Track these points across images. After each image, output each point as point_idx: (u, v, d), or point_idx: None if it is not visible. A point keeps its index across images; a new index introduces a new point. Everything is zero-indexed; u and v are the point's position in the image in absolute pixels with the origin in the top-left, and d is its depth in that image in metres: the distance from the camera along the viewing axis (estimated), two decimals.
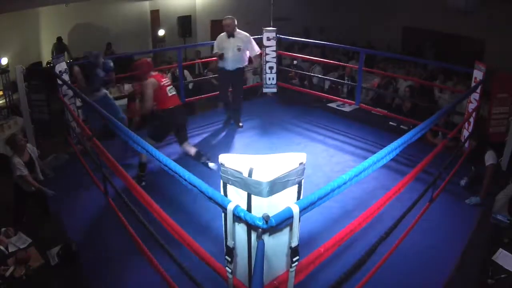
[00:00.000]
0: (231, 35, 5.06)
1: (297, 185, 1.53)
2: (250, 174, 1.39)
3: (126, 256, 3.03)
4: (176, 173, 1.76)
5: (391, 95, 6.69)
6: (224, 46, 5.10)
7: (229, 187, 1.51)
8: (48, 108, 6.26)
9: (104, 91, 4.60)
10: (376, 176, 4.00)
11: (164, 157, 1.91)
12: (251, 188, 1.41)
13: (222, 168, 1.49)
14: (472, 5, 8.09)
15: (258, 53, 5.28)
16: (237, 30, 5.10)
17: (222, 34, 5.12)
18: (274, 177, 1.39)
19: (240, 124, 5.57)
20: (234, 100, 5.48)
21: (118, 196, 2.85)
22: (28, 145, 3.90)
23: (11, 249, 3.10)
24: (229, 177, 1.47)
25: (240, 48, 5.07)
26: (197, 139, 5.15)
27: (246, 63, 5.29)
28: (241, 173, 1.42)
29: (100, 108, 2.93)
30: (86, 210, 3.68)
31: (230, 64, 5.14)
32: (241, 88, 5.52)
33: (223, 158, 1.50)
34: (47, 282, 2.86)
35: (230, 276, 1.54)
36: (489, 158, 3.68)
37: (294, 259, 1.47)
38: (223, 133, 5.30)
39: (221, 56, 5.09)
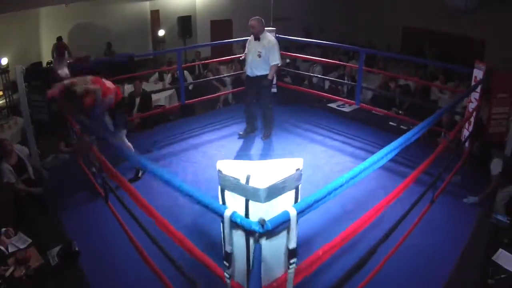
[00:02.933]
0: (256, 37, 4.65)
1: (294, 190, 1.54)
2: (247, 181, 1.41)
3: (126, 256, 3.03)
4: (175, 186, 1.73)
5: (390, 95, 6.68)
6: (248, 48, 4.79)
7: (226, 193, 1.52)
8: (48, 108, 6.26)
9: None
10: (376, 176, 3.99)
11: (160, 169, 1.88)
12: (248, 194, 1.42)
13: (219, 174, 1.51)
14: (472, 5, 8.09)
15: (276, 63, 4.65)
16: (265, 33, 4.66)
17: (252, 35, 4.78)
18: (271, 183, 1.41)
19: (266, 135, 5.04)
20: (262, 110, 5.05)
21: (118, 200, 2.86)
22: (17, 146, 3.91)
23: (11, 249, 3.11)
24: (226, 183, 1.49)
25: (261, 54, 4.59)
26: (197, 140, 5.14)
27: (271, 76, 4.74)
28: (238, 179, 1.43)
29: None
30: (86, 210, 3.68)
31: (248, 69, 4.80)
32: (266, 98, 4.88)
33: (220, 164, 1.51)
34: (47, 282, 2.86)
35: (228, 281, 1.55)
36: (496, 167, 3.62)
37: (292, 261, 1.48)
38: (223, 134, 5.29)
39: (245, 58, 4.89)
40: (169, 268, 2.25)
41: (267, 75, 4.71)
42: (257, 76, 4.74)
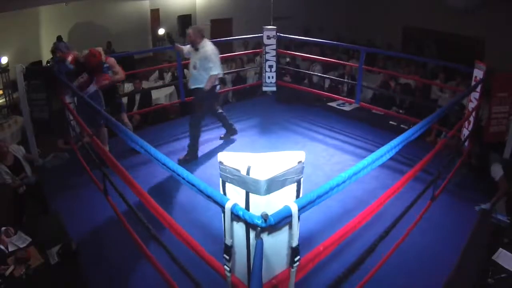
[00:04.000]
0: (195, 48, 4.24)
1: (296, 184, 1.52)
2: (248, 172, 1.39)
3: (125, 254, 3.03)
4: (175, 172, 1.75)
5: (391, 94, 6.67)
6: (190, 59, 4.45)
7: (227, 185, 1.51)
8: (48, 107, 6.26)
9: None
10: (376, 175, 4.00)
11: (164, 156, 1.90)
12: (249, 186, 1.40)
13: (220, 166, 1.49)
14: (472, 5, 8.08)
15: (213, 74, 4.20)
16: (203, 42, 4.21)
17: None
18: (272, 175, 1.39)
19: (185, 158, 4.33)
20: (189, 128, 4.42)
21: (118, 195, 2.85)
22: (12, 146, 3.91)
23: (11, 248, 3.10)
24: (227, 175, 1.47)
25: (196, 65, 4.22)
26: None
27: (207, 87, 4.25)
28: (239, 171, 1.42)
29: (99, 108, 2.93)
30: (86, 209, 3.68)
31: (189, 81, 4.44)
32: (195, 115, 4.38)
33: (221, 156, 1.50)
34: (47, 281, 2.85)
35: (228, 274, 1.54)
36: (497, 172, 3.56)
37: (296, 259, 1.47)
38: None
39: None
40: (172, 266, 2.24)
41: (204, 90, 4.26)
42: (194, 89, 4.36)
